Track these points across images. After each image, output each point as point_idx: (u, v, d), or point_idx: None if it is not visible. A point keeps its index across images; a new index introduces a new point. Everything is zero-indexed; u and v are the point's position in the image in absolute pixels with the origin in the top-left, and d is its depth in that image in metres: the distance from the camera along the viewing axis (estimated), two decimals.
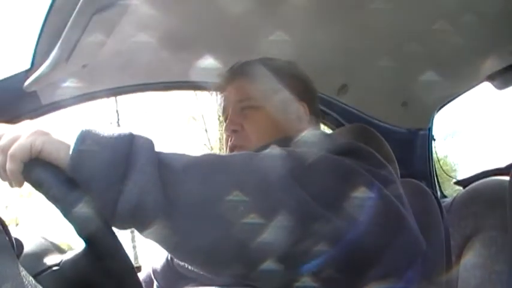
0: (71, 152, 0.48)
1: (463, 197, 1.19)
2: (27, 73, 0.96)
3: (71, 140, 0.49)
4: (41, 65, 0.91)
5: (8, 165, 0.49)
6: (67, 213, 0.47)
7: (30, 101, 1.00)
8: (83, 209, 0.46)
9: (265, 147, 0.83)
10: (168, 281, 0.85)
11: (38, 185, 0.48)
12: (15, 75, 0.97)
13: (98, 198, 0.48)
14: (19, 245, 0.63)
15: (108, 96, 1.19)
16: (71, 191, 0.47)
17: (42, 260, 0.66)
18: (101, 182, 0.47)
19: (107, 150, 0.48)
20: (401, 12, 1.09)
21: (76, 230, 0.48)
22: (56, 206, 0.47)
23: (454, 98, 1.46)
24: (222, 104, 0.97)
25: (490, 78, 1.32)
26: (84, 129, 0.50)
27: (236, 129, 0.90)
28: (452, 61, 1.26)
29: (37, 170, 0.48)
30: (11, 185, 0.51)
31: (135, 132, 0.52)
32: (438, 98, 1.46)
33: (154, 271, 0.89)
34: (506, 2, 1.04)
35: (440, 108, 1.50)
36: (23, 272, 0.50)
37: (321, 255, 0.53)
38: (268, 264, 0.51)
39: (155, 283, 0.91)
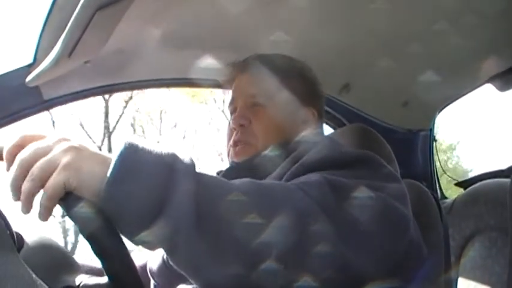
0: (104, 187, 0.46)
1: (464, 199, 1.20)
2: (30, 68, 0.96)
3: (107, 169, 0.47)
4: (43, 60, 0.91)
5: (43, 201, 0.47)
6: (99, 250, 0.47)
7: (32, 96, 1.00)
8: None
9: (269, 146, 0.84)
10: (164, 279, 0.85)
11: (70, 217, 0.47)
12: (18, 69, 0.97)
13: (127, 233, 0.47)
14: (20, 238, 0.64)
15: (109, 92, 1.19)
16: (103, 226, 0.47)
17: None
18: (133, 221, 0.47)
19: (142, 188, 0.47)
20: (404, 12, 1.09)
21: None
22: (89, 242, 0.47)
23: (456, 99, 1.46)
24: (232, 94, 0.95)
25: (492, 79, 1.32)
26: (121, 155, 0.48)
27: (244, 123, 0.88)
28: (454, 62, 1.26)
29: (69, 205, 0.47)
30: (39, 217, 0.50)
31: (176, 158, 0.50)
32: (440, 99, 1.46)
33: (150, 269, 0.90)
34: (509, 3, 1.04)
35: (442, 109, 1.50)
36: (23, 267, 0.50)
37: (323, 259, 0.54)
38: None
39: (152, 281, 0.91)
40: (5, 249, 0.50)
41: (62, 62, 0.89)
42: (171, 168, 0.48)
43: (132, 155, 0.48)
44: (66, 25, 0.81)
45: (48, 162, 0.47)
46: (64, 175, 0.47)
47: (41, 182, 0.47)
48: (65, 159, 0.47)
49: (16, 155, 0.50)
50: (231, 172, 0.88)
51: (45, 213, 0.48)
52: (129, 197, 0.46)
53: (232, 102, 0.94)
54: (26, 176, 0.48)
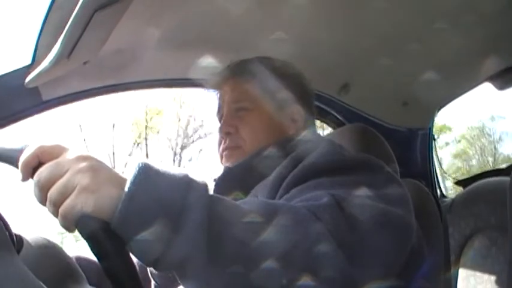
0: (116, 214, 0.46)
1: (464, 197, 1.20)
2: (29, 69, 0.96)
3: (123, 193, 0.47)
4: (42, 60, 0.91)
5: (61, 223, 0.48)
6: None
7: (31, 96, 1.00)
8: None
9: (261, 150, 0.84)
10: (165, 280, 0.86)
11: (84, 239, 0.48)
12: (16, 70, 0.97)
13: (139, 257, 0.48)
14: (19, 240, 0.64)
15: (108, 93, 1.19)
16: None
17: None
18: (144, 248, 0.47)
19: (155, 216, 0.46)
20: (404, 12, 1.09)
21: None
22: (100, 261, 0.47)
23: (455, 98, 1.46)
24: (217, 103, 0.96)
25: (491, 78, 1.32)
26: (134, 180, 0.47)
27: (230, 131, 0.89)
28: (453, 61, 1.26)
29: (88, 226, 0.47)
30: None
31: (189, 184, 0.49)
32: (439, 97, 1.46)
33: (151, 271, 0.90)
34: (508, 2, 1.04)
35: (441, 108, 1.50)
36: (23, 268, 0.50)
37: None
38: None
39: (153, 282, 0.91)
40: (5, 250, 0.50)
41: (61, 63, 0.89)
42: (184, 195, 0.48)
43: (144, 180, 0.47)
44: (65, 25, 0.81)
45: (65, 185, 0.47)
46: (81, 199, 0.46)
47: (60, 205, 0.47)
48: (82, 182, 0.47)
49: (32, 166, 0.50)
50: (227, 176, 0.88)
51: (67, 230, 0.48)
52: (142, 224, 0.46)
53: (219, 110, 0.95)
54: (46, 197, 0.48)
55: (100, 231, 0.46)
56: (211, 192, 0.51)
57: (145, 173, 0.48)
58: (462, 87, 1.41)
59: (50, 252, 0.73)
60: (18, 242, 0.62)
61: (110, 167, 0.51)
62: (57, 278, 0.66)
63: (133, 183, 0.47)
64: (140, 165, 0.48)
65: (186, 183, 0.49)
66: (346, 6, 1.07)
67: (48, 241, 0.75)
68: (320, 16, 1.10)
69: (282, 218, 0.54)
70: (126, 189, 0.46)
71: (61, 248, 0.78)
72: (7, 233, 0.53)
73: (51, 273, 0.65)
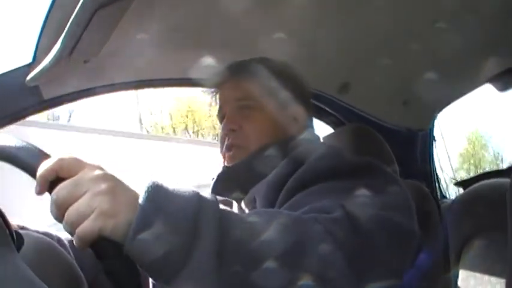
0: (128, 239, 0.46)
1: (464, 198, 1.19)
2: (29, 67, 0.96)
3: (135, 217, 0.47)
4: (43, 59, 0.91)
5: (77, 242, 0.48)
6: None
7: (32, 95, 1.00)
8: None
9: (262, 149, 0.85)
10: None
11: (101, 259, 0.48)
12: (17, 69, 0.97)
13: (152, 277, 0.49)
14: (19, 238, 0.64)
15: (109, 92, 1.19)
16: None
17: None
18: (157, 271, 0.47)
19: (166, 240, 0.46)
20: (404, 12, 1.09)
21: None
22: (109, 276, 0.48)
23: (456, 100, 1.45)
24: (219, 102, 0.96)
25: (492, 80, 1.32)
26: (144, 206, 0.47)
27: (234, 128, 0.90)
28: (454, 62, 1.26)
29: (103, 248, 0.47)
30: None
31: (200, 206, 0.49)
32: (440, 98, 1.45)
33: None
34: (509, 3, 1.04)
35: (442, 109, 1.50)
36: (23, 265, 0.50)
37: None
38: None
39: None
40: (4, 248, 0.51)
41: (61, 62, 0.89)
42: (195, 217, 0.48)
43: (154, 205, 0.48)
44: (66, 24, 0.81)
45: (84, 207, 0.47)
46: (99, 223, 0.46)
47: (77, 227, 0.47)
48: (101, 206, 0.47)
49: (49, 180, 0.49)
50: (226, 176, 0.88)
51: (81, 249, 0.48)
52: (154, 248, 0.46)
53: (220, 110, 0.95)
54: (64, 215, 0.47)
55: (115, 253, 0.46)
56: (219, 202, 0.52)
57: (155, 197, 0.48)
58: (463, 89, 1.41)
59: (50, 251, 0.73)
60: (18, 240, 0.62)
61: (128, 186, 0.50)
62: (56, 277, 0.66)
63: (143, 208, 0.47)
64: (149, 189, 0.48)
65: (196, 204, 0.49)
66: (346, 6, 1.07)
67: (49, 240, 0.75)
68: (320, 16, 1.10)
69: (294, 236, 0.54)
70: (136, 214, 0.47)
71: (61, 248, 0.78)
72: (7, 231, 0.53)
73: (51, 272, 0.65)
